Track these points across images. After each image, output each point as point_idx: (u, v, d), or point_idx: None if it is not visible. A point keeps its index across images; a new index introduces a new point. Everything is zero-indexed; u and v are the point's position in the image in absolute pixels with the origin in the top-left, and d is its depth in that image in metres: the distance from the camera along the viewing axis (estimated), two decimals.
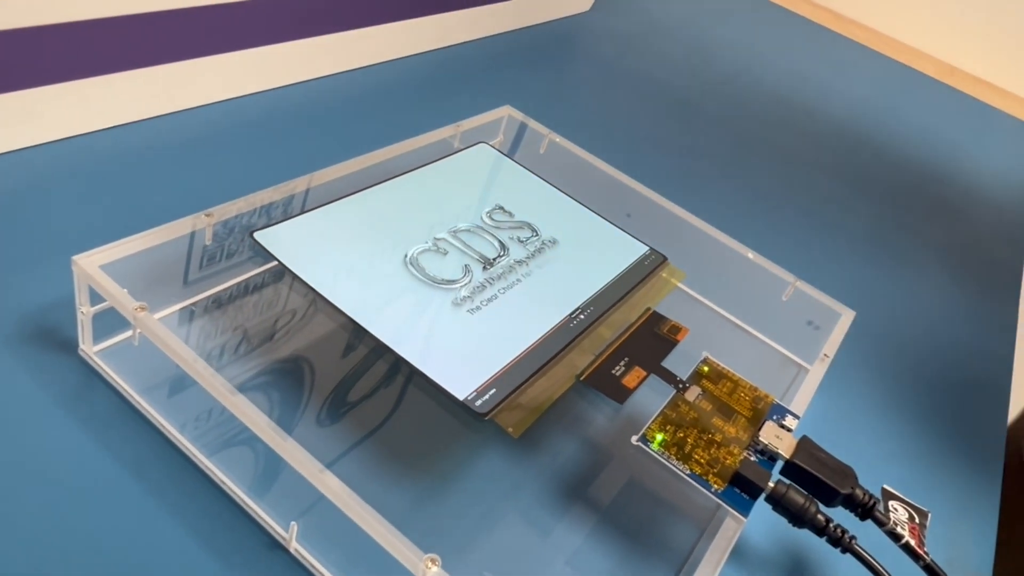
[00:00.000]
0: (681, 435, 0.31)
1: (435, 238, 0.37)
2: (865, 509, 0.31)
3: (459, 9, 0.66)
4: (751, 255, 0.44)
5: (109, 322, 0.32)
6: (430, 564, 0.24)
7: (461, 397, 0.29)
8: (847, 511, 0.31)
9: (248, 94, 0.52)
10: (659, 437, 0.31)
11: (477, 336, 0.32)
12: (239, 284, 0.36)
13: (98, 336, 0.32)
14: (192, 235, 0.33)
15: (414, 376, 0.35)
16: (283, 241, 0.33)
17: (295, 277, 0.32)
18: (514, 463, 0.33)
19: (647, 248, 0.41)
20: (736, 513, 0.29)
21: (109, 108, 0.44)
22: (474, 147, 0.44)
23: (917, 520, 0.32)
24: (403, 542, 0.24)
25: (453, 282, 0.34)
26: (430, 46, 0.66)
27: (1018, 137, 1.01)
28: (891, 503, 0.32)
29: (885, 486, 0.33)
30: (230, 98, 0.51)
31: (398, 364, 0.35)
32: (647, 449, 0.30)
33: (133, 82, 0.44)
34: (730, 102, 0.79)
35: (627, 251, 0.41)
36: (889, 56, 1.12)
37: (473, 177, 0.42)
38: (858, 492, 0.31)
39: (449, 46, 0.68)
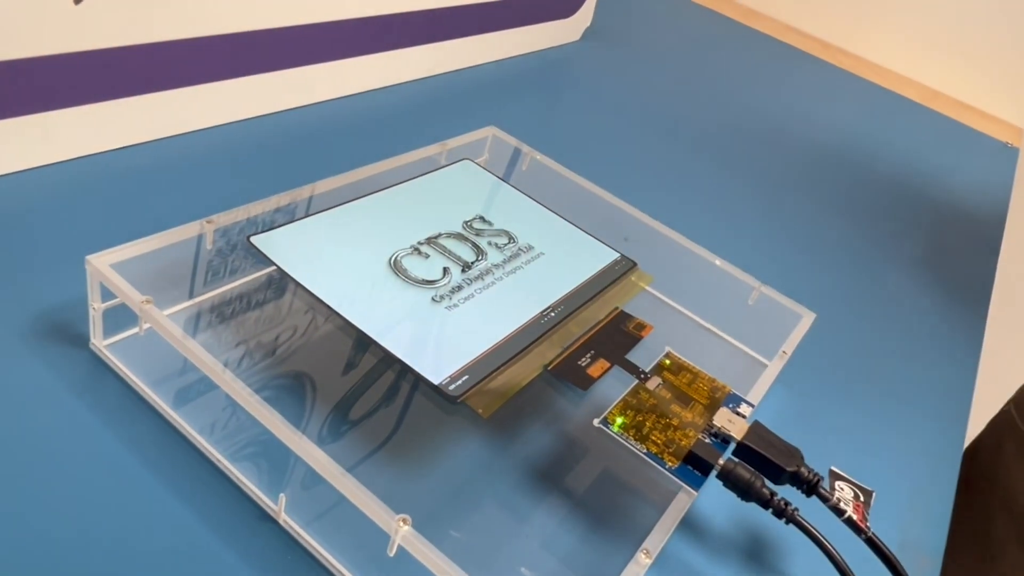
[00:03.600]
0: (640, 419, 0.34)
1: (418, 242, 0.40)
2: (810, 486, 0.33)
3: (452, 39, 0.70)
4: (718, 262, 0.47)
5: (118, 319, 0.35)
6: (401, 524, 0.26)
7: (436, 382, 0.32)
8: (794, 488, 0.34)
9: (250, 117, 0.55)
10: (619, 420, 0.34)
11: (453, 329, 0.35)
12: (237, 285, 0.39)
13: (108, 332, 0.35)
14: (195, 239, 0.36)
15: (397, 368, 0.38)
16: (278, 245, 0.36)
17: (288, 277, 0.35)
18: (485, 446, 0.36)
19: (618, 254, 0.44)
20: (688, 487, 0.32)
21: (119, 129, 0.47)
22: (459, 163, 0.48)
23: (862, 499, 0.34)
24: (378, 504, 0.27)
25: (433, 282, 0.37)
26: (423, 74, 0.69)
27: (995, 156, 1.04)
28: (837, 483, 0.34)
29: (833, 467, 0.35)
30: (234, 121, 0.54)
31: (382, 358, 0.38)
32: (608, 431, 0.33)
33: (144, 105, 0.48)
34: (714, 126, 0.82)
35: (599, 257, 0.44)
36: (874, 82, 1.16)
37: (457, 190, 0.45)
38: (803, 470, 0.33)
39: (442, 74, 0.72)
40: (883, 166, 0.87)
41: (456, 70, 0.73)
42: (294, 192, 0.40)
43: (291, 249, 0.36)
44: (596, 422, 0.33)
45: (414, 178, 0.45)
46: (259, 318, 0.38)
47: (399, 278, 0.37)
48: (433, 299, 0.36)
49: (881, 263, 0.66)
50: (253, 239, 0.36)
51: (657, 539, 0.30)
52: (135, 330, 0.35)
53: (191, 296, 0.37)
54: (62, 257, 0.39)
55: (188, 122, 0.51)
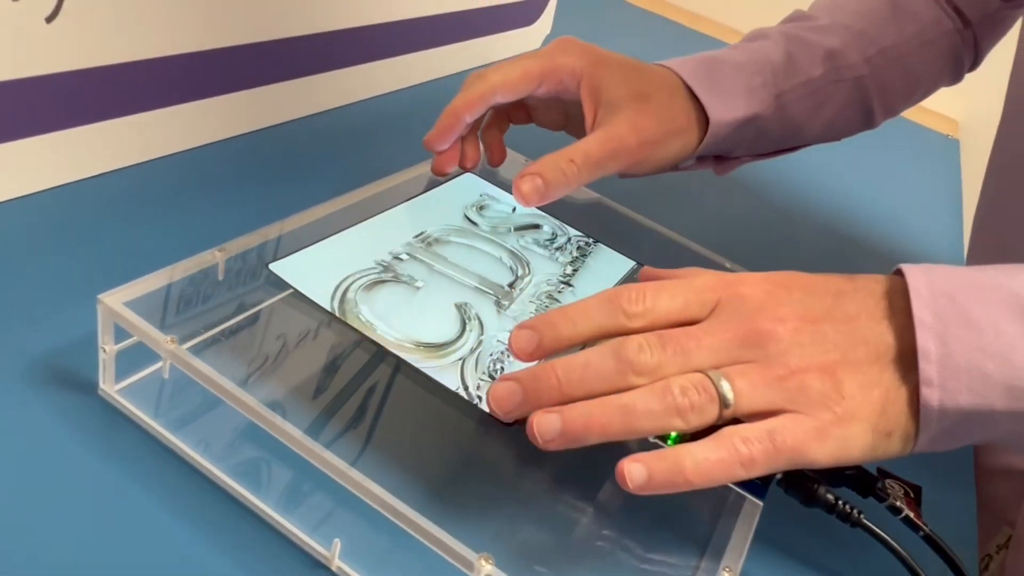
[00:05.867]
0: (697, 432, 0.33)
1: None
2: (866, 486, 0.33)
3: (413, 52, 0.69)
4: (728, 265, 0.47)
5: (127, 360, 0.32)
6: (484, 562, 0.25)
7: (487, 408, 0.30)
8: (849, 490, 0.33)
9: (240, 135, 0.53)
10: (674, 433, 0.33)
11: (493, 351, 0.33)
12: (253, 313, 0.37)
13: (116, 375, 0.32)
14: (207, 270, 0.34)
15: (431, 387, 0.36)
16: (296, 270, 0.34)
17: (311, 303, 0.33)
18: (538, 464, 0.34)
19: (634, 263, 0.43)
20: (752, 498, 0.31)
21: (90, 157, 0.44)
22: (461, 177, 0.46)
23: (912, 495, 0.34)
24: (456, 543, 0.25)
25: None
26: (382, 90, 0.68)
27: (942, 149, 1.08)
28: (887, 481, 0.34)
29: (880, 466, 0.35)
30: (233, 137, 0.51)
31: (406, 376, 0.36)
32: (664, 446, 0.32)
33: (128, 127, 0.45)
34: None
35: (617, 267, 0.43)
36: None
37: (462, 204, 0.44)
38: (856, 472, 0.33)
39: (404, 88, 0.70)
40: (839, 166, 0.89)
41: (426, 82, 0.72)
42: (300, 216, 0.38)
43: (309, 274, 0.34)
44: (652, 437, 0.32)
45: (416, 196, 0.43)
46: (285, 348, 0.36)
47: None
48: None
49: (856, 260, 0.68)
50: (272, 266, 0.34)
51: (736, 555, 0.29)
52: (147, 371, 0.33)
53: (206, 329, 0.35)
54: (42, 298, 0.36)
55: (174, 143, 0.48)
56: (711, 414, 0.29)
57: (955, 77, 0.56)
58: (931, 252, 0.74)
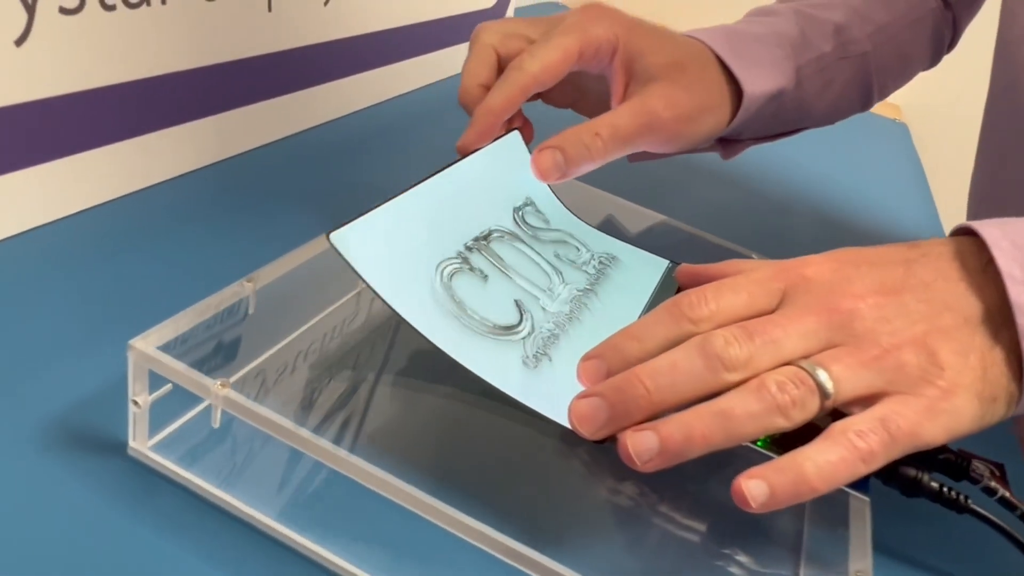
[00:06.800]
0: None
1: (466, 247, 0.33)
2: (959, 470, 0.32)
3: (396, 62, 0.66)
4: (755, 255, 0.46)
5: (155, 411, 0.28)
6: None
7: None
8: (941, 475, 0.32)
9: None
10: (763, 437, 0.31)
11: (565, 371, 0.31)
12: (292, 341, 0.34)
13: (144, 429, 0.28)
14: (237, 303, 0.30)
15: (513, 404, 0.33)
16: (358, 246, 0.29)
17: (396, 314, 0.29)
18: (623, 472, 0.32)
19: (668, 262, 0.41)
20: (857, 494, 0.29)
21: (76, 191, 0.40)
22: (507, 138, 0.40)
23: (998, 474, 0.33)
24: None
25: (511, 329, 0.32)
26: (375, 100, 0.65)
27: (890, 133, 1.10)
28: (973, 462, 0.33)
29: (961, 448, 0.34)
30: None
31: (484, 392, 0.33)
32: (752, 446, 0.30)
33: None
34: None
35: (652, 267, 0.41)
36: None
37: (509, 188, 0.39)
38: (950, 455, 0.32)
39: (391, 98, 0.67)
40: (803, 157, 0.90)
41: (404, 94, 0.69)
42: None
43: (371, 249, 0.29)
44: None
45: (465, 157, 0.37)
46: (335, 374, 0.32)
47: (457, 321, 0.30)
48: (524, 361, 0.31)
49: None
50: (333, 237, 0.29)
51: (861, 555, 0.27)
52: (181, 421, 0.29)
53: (243, 365, 0.31)
54: (38, 351, 0.32)
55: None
56: (813, 407, 0.27)
57: (936, 57, 0.56)
58: (911, 229, 0.75)
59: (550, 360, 0.31)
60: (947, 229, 0.78)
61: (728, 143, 0.47)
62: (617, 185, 0.50)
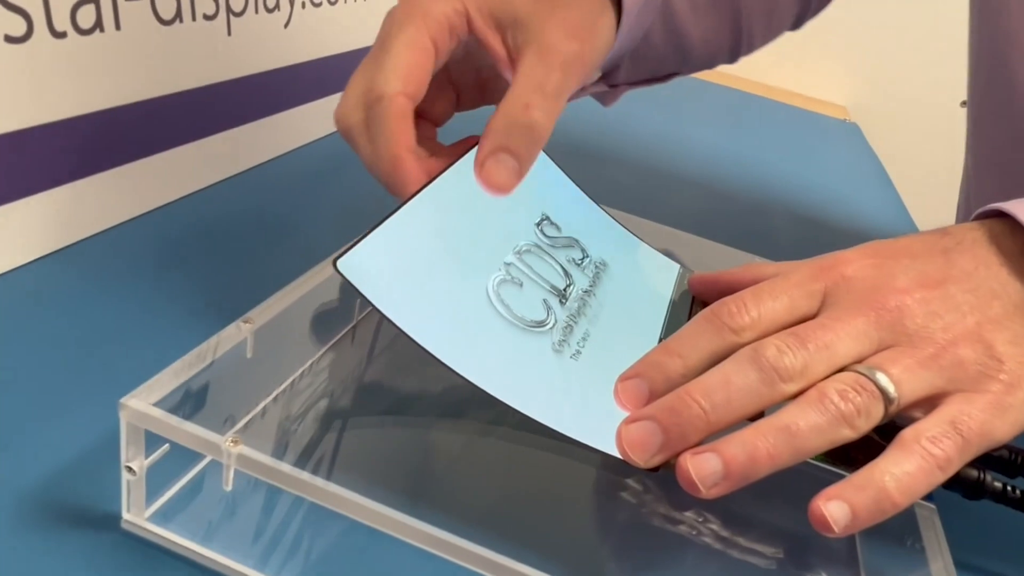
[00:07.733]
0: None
1: (505, 263, 0.32)
2: (1014, 466, 0.30)
3: None
4: (759, 260, 0.44)
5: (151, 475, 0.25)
6: None
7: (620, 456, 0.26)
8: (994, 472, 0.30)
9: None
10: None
11: (592, 384, 0.29)
12: (296, 380, 0.31)
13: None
14: (234, 346, 0.27)
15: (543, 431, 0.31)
16: (368, 272, 0.27)
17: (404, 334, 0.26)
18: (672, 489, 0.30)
19: (680, 267, 0.40)
20: (924, 503, 0.28)
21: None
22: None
23: None
24: None
25: (541, 323, 0.30)
26: None
27: (841, 133, 1.11)
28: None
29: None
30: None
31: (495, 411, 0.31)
32: (810, 461, 0.28)
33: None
34: (578, 137, 0.81)
35: (665, 271, 0.39)
36: (716, 83, 1.21)
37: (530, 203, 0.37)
38: (1004, 452, 0.30)
39: None
40: (769, 159, 0.90)
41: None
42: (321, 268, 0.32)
43: (382, 276, 0.27)
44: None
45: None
46: (348, 416, 0.29)
47: (504, 319, 0.29)
48: (554, 348, 0.30)
49: (823, 242, 0.67)
50: (340, 265, 0.26)
51: (940, 567, 0.25)
52: (178, 486, 0.26)
53: (245, 413, 0.28)
54: (7, 413, 0.28)
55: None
56: (878, 414, 0.25)
57: (800, 19, 0.53)
58: (883, 220, 0.75)
59: (578, 353, 0.30)
60: (915, 218, 0.80)
61: (608, 88, 0.45)
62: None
